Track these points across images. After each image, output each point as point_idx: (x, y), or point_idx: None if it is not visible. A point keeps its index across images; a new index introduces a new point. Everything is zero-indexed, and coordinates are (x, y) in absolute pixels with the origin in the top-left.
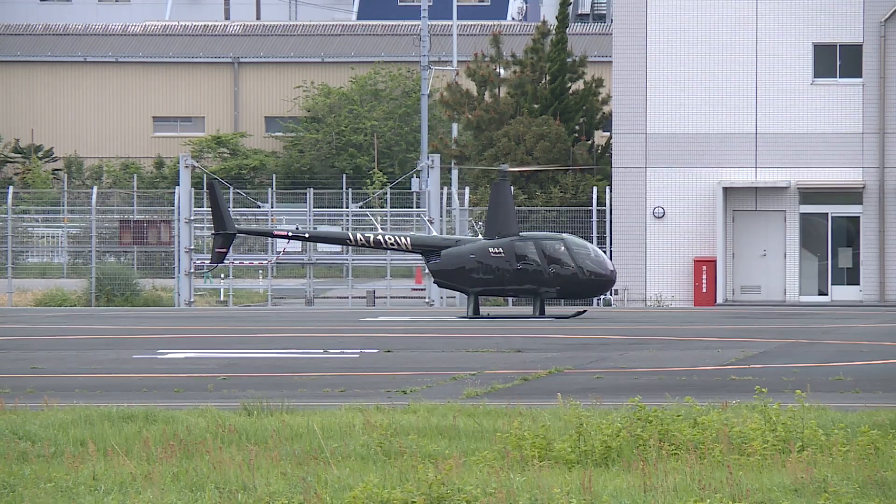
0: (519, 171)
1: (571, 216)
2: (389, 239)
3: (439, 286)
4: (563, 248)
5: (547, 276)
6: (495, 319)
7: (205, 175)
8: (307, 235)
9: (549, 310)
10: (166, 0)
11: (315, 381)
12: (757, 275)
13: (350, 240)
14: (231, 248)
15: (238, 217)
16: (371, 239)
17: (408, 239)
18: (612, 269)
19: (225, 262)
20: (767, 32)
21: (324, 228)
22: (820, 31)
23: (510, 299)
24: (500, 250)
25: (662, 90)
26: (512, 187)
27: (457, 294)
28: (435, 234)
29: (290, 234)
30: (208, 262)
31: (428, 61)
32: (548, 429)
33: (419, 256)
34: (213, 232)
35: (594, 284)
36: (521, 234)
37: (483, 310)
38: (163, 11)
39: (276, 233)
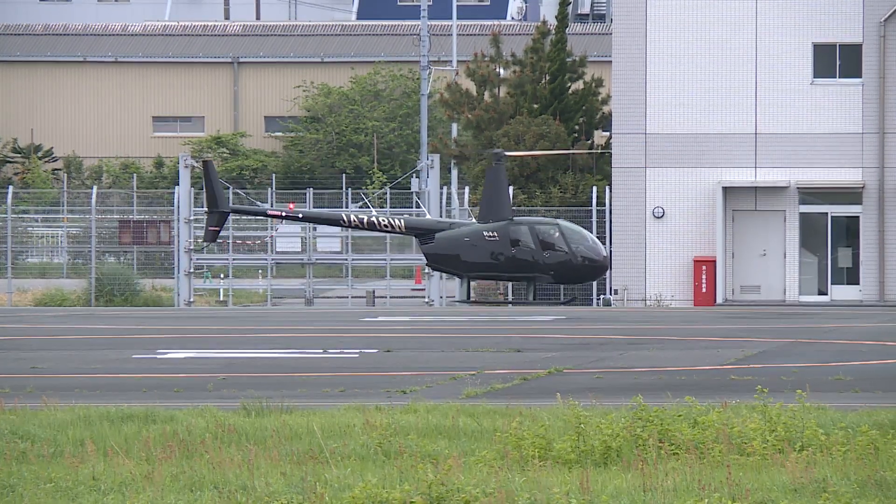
0: (516, 155)
1: (571, 216)
2: (383, 221)
3: (432, 269)
4: (557, 234)
5: (541, 260)
6: (496, 317)
7: (203, 163)
8: (301, 216)
9: (541, 297)
10: (166, 0)
11: (315, 381)
12: (756, 274)
13: (344, 220)
14: (231, 249)
15: (238, 217)
16: (365, 220)
17: (402, 221)
18: (605, 255)
19: (224, 262)
20: (767, 32)
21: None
22: (820, 31)
23: (509, 294)
24: (495, 234)
25: (662, 90)
26: (512, 187)
27: (457, 293)
28: (429, 216)
29: (283, 213)
30: (201, 239)
31: (427, 61)
32: (547, 429)
33: (420, 255)
34: (206, 210)
35: (588, 270)
36: (514, 218)
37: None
38: (162, 11)
39: (269, 212)
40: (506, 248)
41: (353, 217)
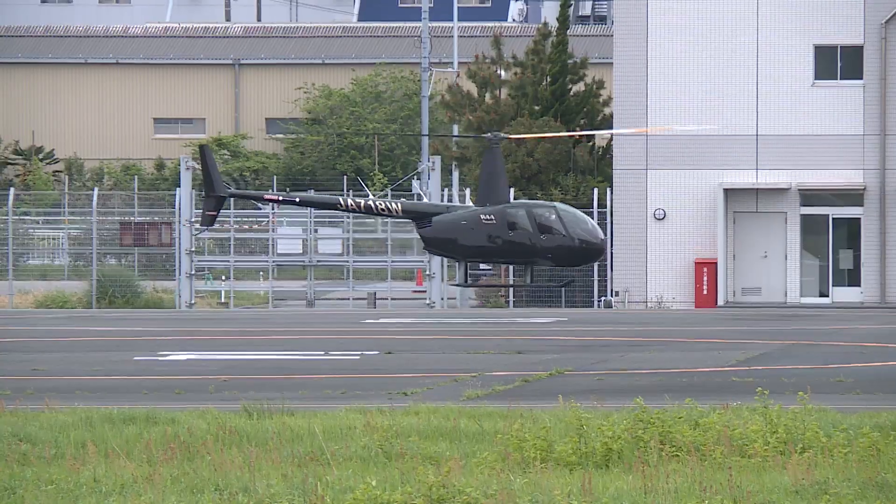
0: (514, 138)
1: None
2: (380, 204)
3: (430, 253)
4: (554, 216)
5: (539, 243)
6: (497, 319)
7: (199, 148)
8: (297, 199)
9: (538, 279)
10: (167, 1)
11: (316, 383)
12: (758, 276)
13: (341, 204)
14: (232, 251)
15: (239, 219)
16: (362, 204)
17: (399, 205)
18: (602, 237)
19: (225, 264)
20: (768, 34)
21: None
22: (821, 33)
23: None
24: (492, 217)
25: (663, 92)
26: (513, 189)
27: (457, 295)
28: (426, 200)
29: (280, 197)
30: (199, 223)
31: (429, 63)
32: (548, 430)
33: (421, 257)
34: (203, 194)
35: (586, 252)
36: (512, 201)
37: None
38: (163, 13)
39: (266, 196)
40: (503, 232)
41: (350, 200)
